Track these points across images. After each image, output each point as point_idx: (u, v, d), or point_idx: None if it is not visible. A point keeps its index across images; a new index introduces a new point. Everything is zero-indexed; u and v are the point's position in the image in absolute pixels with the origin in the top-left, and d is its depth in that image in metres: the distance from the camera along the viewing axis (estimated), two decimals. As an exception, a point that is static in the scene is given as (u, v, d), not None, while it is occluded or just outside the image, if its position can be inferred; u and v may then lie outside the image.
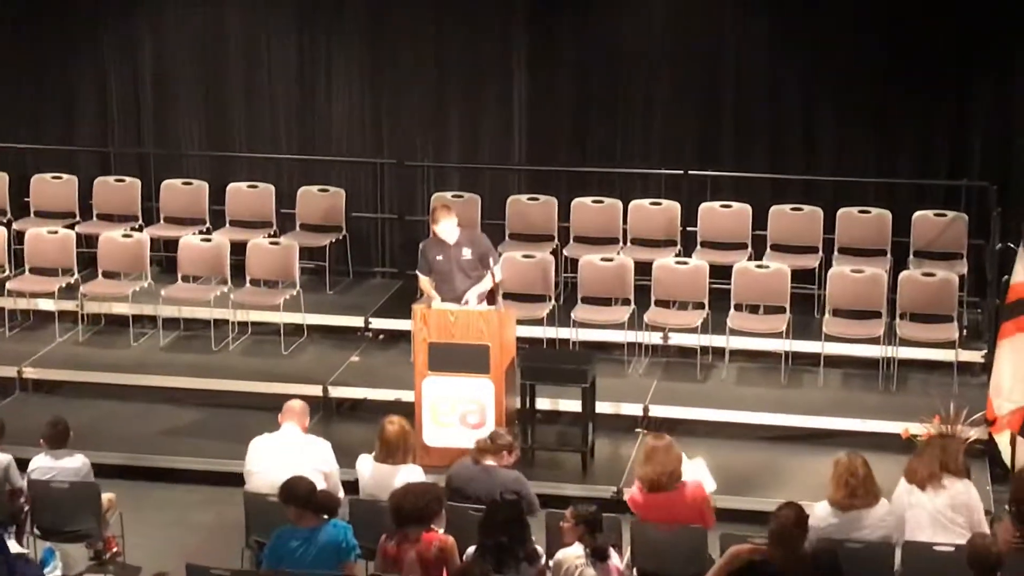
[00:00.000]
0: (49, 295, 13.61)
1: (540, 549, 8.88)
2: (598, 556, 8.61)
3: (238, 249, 13.66)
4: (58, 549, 10.18)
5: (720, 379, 12.61)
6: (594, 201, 13.97)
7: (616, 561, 8.76)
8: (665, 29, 14.16)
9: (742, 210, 13.66)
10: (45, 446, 10.05)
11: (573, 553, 8.69)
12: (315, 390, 12.26)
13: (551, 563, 8.83)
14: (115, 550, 10.27)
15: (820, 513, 9.03)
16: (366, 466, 9.80)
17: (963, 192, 13.56)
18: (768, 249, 13.48)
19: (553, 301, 12.93)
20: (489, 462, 9.65)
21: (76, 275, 13.69)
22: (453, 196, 14.09)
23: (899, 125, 13.80)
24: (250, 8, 14.90)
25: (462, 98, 14.59)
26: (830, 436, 11.68)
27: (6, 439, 10.25)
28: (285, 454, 9.69)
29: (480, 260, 11.56)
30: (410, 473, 9.60)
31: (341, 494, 9.60)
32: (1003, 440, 10.44)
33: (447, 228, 11.53)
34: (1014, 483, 9.07)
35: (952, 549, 8.69)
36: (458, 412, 11.15)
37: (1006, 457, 10.41)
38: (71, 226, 14.24)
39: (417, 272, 11.82)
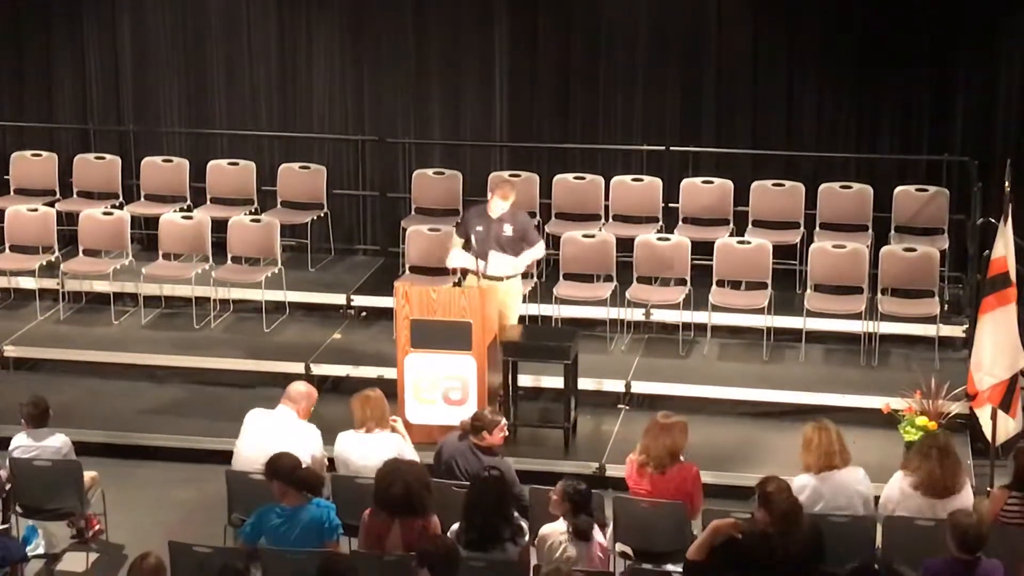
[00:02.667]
0: (30, 273, 13.58)
1: (524, 526, 8.89)
2: (580, 536, 8.63)
3: (219, 226, 13.63)
4: (40, 527, 10.17)
5: (702, 355, 12.63)
6: (576, 178, 13.96)
7: (600, 538, 8.78)
8: (646, 5, 14.14)
9: (724, 186, 13.67)
10: (26, 426, 10.02)
11: (557, 528, 8.72)
12: (297, 367, 12.24)
13: (536, 538, 8.86)
14: (97, 528, 10.26)
15: (799, 483, 9.08)
16: (342, 437, 9.83)
17: (944, 167, 13.59)
18: (750, 225, 13.49)
19: (535, 278, 12.93)
20: (473, 441, 9.67)
21: (56, 253, 13.66)
22: (435, 173, 14.08)
23: (880, 100, 13.82)
24: (230, -16, 14.86)
25: (443, 75, 14.56)
26: (812, 411, 11.67)
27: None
28: (272, 437, 9.65)
29: (521, 239, 11.58)
30: (385, 440, 9.65)
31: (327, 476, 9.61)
32: (984, 415, 10.46)
33: (505, 206, 11.51)
34: (1021, 457, 9.06)
35: (933, 524, 8.72)
36: (440, 389, 11.15)
37: (987, 431, 10.44)
38: (51, 204, 14.18)
39: (453, 232, 11.88)
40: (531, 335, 11.93)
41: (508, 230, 11.55)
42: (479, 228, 11.54)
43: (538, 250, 11.78)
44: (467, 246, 11.60)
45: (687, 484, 9.30)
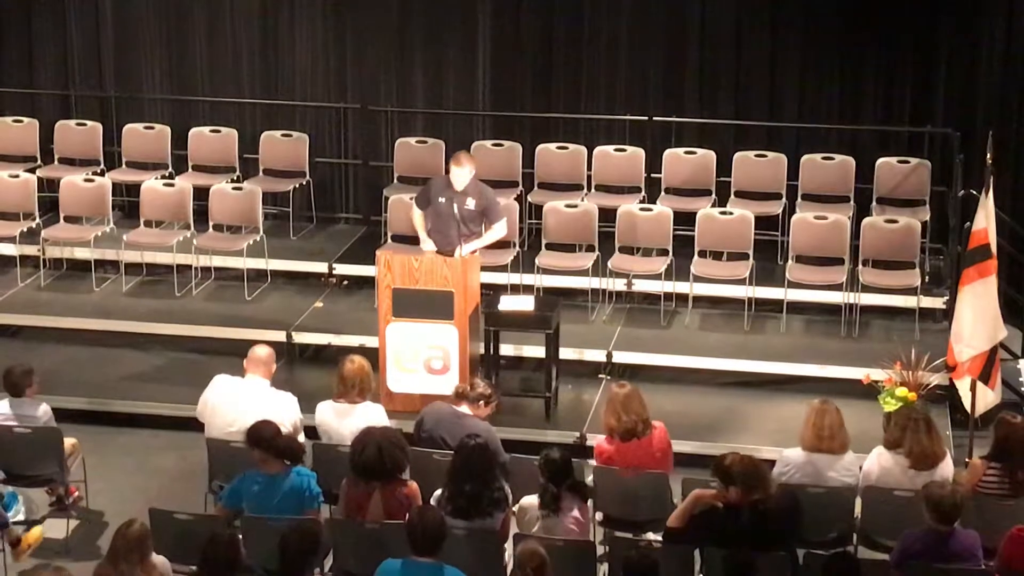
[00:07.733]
0: (10, 239, 13.52)
1: (508, 490, 8.89)
2: (545, 507, 8.64)
3: (201, 194, 13.59)
4: (21, 493, 10.17)
5: (683, 325, 12.65)
6: (558, 147, 13.95)
7: (575, 512, 8.76)
8: (630, -26, 14.13)
9: (706, 157, 13.66)
10: (7, 393, 9.99)
11: (537, 501, 8.74)
12: (279, 336, 12.24)
13: (515, 508, 8.88)
14: (76, 495, 10.25)
15: (791, 458, 9.13)
16: (323, 408, 9.82)
17: (926, 139, 13.60)
18: (732, 195, 13.50)
19: (517, 247, 12.92)
20: (464, 409, 9.66)
21: (37, 219, 13.62)
22: (417, 142, 14.06)
23: (863, 71, 13.80)
24: (212, -50, 14.78)
25: (426, 43, 14.51)
26: (792, 382, 11.75)
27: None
28: (250, 406, 9.64)
29: (483, 213, 11.48)
30: (367, 411, 9.64)
31: (303, 439, 9.60)
32: (963, 386, 10.49)
33: (463, 175, 11.40)
34: (1001, 428, 9.12)
35: (911, 495, 8.76)
36: (422, 358, 11.15)
37: (966, 403, 10.47)
38: (32, 170, 14.13)
39: (413, 203, 11.75)
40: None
41: (471, 204, 11.46)
42: (441, 200, 11.47)
43: (500, 229, 11.57)
44: (426, 216, 11.55)
45: (663, 442, 9.35)
